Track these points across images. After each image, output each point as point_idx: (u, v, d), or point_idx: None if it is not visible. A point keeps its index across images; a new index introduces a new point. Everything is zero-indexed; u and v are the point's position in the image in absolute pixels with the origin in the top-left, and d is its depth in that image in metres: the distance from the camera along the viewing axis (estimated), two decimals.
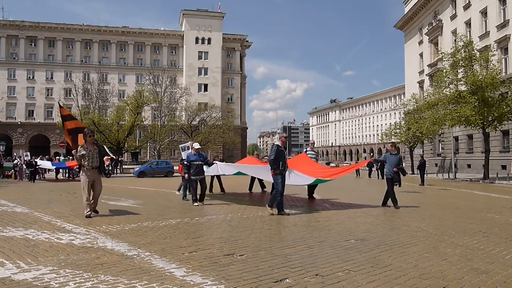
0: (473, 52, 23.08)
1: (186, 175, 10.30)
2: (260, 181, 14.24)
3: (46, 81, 59.78)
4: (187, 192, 11.35)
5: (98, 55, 61.92)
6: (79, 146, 8.20)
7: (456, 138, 33.21)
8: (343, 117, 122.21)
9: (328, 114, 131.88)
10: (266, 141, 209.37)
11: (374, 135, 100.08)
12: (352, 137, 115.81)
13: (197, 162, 10.20)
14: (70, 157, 36.11)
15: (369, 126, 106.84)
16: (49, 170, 26.77)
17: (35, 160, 24.83)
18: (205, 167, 10.70)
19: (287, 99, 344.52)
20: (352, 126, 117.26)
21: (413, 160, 36.17)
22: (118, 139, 36.64)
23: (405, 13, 46.10)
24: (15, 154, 33.97)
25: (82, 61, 61.46)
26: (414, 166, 33.03)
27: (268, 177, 9.03)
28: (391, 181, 9.75)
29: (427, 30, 40.08)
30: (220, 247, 5.22)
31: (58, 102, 10.92)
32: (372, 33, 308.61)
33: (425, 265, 4.34)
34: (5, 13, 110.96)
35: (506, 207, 9.96)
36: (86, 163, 7.91)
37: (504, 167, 26.26)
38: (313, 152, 11.77)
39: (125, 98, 47.18)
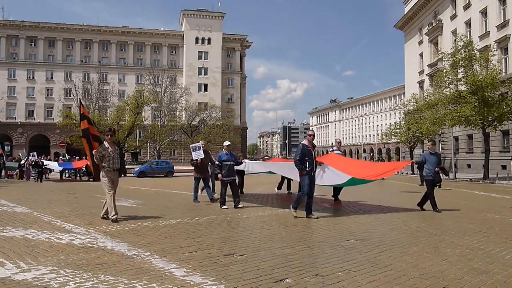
0: (473, 52, 23.06)
1: (220, 176, 9.64)
2: (289, 182, 13.78)
3: (46, 81, 59.77)
4: (205, 193, 10.77)
5: (98, 55, 61.91)
6: (99, 147, 7.59)
7: (456, 138, 33.20)
8: (343, 117, 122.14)
9: (328, 114, 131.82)
10: (266, 141, 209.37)
11: (374, 135, 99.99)
12: (352, 137, 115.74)
13: (229, 162, 9.60)
14: (77, 157, 35.91)
15: (369, 126, 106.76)
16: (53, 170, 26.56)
17: (42, 160, 24.52)
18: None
19: (287, 99, 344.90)
20: (352, 126, 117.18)
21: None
22: (118, 139, 36.57)
23: (405, 13, 46.10)
24: (20, 154, 33.64)
25: (82, 61, 61.45)
26: (414, 166, 32.99)
27: (296, 176, 8.47)
28: (432, 183, 8.99)
29: (427, 30, 40.07)
30: (220, 247, 5.22)
31: (79, 100, 9.65)
32: (372, 33, 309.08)
33: (425, 265, 4.34)
34: (5, 13, 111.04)
35: (506, 207, 9.96)
36: (106, 164, 7.38)
37: (504, 167, 26.25)
38: (339, 152, 11.19)
39: (125, 98, 47.08)
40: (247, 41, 69.54)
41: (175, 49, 65.22)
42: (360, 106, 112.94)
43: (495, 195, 13.51)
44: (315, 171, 8.04)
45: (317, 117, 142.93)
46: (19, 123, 58.01)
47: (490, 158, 24.19)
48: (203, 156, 10.59)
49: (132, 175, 29.44)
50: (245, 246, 5.26)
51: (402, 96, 75.87)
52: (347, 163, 9.90)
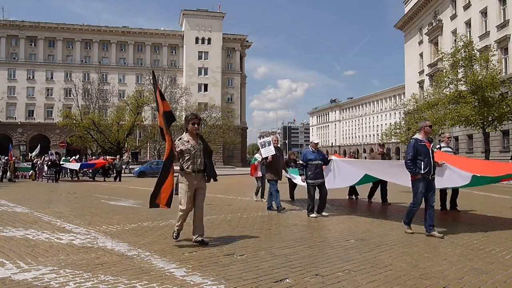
0: (473, 52, 23.08)
1: (302, 178, 8.41)
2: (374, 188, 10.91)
3: (46, 81, 59.72)
4: (273, 200, 8.94)
5: (98, 55, 61.86)
6: (177, 140, 5.53)
7: (456, 138, 33.20)
8: (343, 117, 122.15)
9: (328, 114, 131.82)
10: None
11: (374, 135, 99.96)
12: (352, 137, 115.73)
13: (317, 162, 8.25)
14: (89, 157, 35.36)
15: (369, 126, 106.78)
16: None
17: (57, 158, 23.95)
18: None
19: (287, 99, 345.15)
20: (352, 126, 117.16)
21: None
22: (118, 139, 36.67)
23: (405, 13, 46.12)
24: (31, 154, 33.18)
25: (82, 61, 61.41)
26: None
27: (406, 181, 6.63)
28: None
29: (427, 30, 40.09)
30: (220, 247, 5.22)
31: (152, 71, 6.44)
32: (372, 33, 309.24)
33: (425, 265, 4.34)
34: (5, 13, 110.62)
35: (506, 207, 9.95)
36: (185, 164, 5.40)
37: None
38: (449, 149, 8.91)
39: (125, 98, 47.17)
40: (247, 41, 69.50)
41: (175, 49, 65.19)
42: (360, 106, 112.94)
43: (495, 195, 13.49)
44: (434, 174, 6.14)
45: (317, 117, 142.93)
46: (19, 123, 57.97)
47: (490, 158, 24.18)
48: (274, 153, 8.91)
49: (132, 175, 29.42)
50: (245, 246, 5.26)
51: (402, 96, 75.87)
52: (463, 161, 8.18)
